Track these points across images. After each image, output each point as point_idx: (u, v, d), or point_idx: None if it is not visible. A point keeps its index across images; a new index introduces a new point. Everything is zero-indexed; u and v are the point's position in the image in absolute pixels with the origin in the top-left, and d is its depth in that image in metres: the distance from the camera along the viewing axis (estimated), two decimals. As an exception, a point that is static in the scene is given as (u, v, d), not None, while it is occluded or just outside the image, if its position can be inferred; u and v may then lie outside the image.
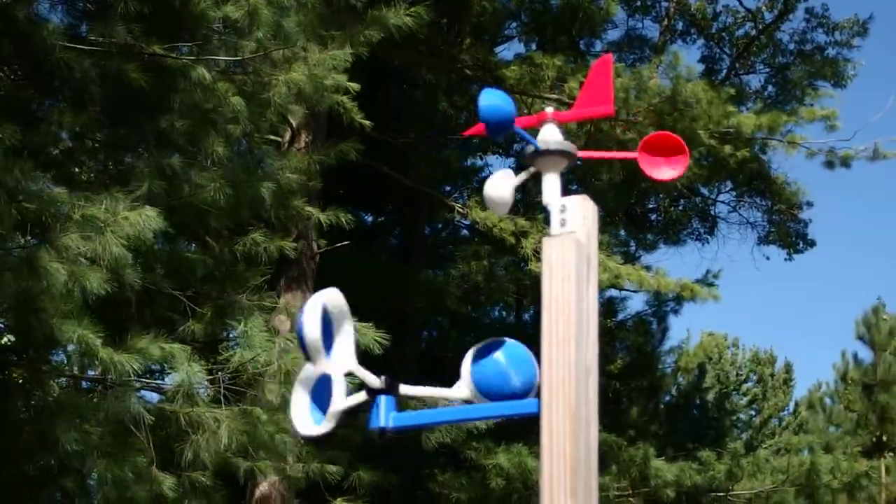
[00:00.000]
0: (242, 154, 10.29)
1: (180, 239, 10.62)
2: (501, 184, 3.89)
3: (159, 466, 9.22)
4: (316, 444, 11.11)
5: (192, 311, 10.28)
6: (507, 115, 3.67)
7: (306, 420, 3.60)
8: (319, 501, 11.93)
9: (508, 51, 25.51)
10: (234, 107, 9.55)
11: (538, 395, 3.44)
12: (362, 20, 10.86)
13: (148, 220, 8.19)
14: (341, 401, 3.57)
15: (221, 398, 9.69)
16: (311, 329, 3.47)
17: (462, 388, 3.61)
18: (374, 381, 3.60)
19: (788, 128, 17.59)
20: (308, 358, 3.52)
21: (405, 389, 3.63)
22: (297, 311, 11.33)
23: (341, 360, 3.61)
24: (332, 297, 3.60)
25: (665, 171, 4.00)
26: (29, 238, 7.97)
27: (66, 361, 9.46)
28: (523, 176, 3.96)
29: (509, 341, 3.65)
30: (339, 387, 3.56)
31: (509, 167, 19.68)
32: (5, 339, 9.81)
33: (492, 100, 3.67)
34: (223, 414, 9.37)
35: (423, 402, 8.66)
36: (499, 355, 3.60)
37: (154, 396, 10.05)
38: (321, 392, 3.60)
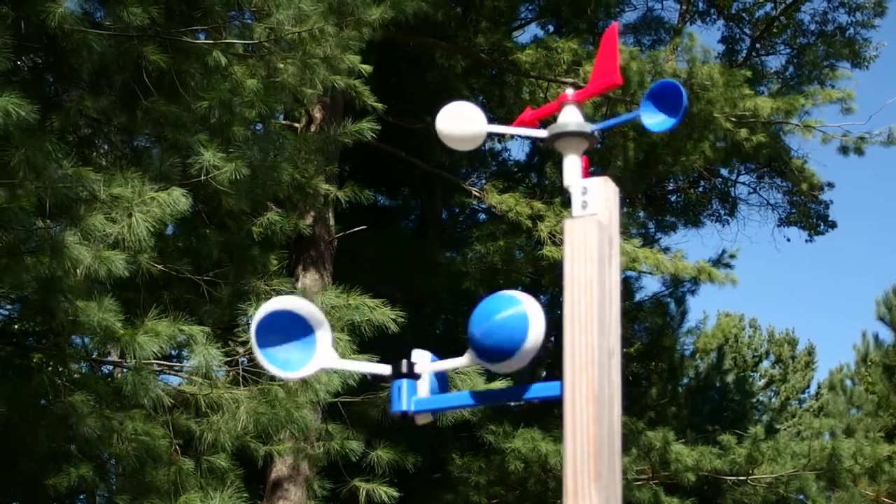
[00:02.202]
0: (259, 136, 10.28)
1: (196, 221, 10.64)
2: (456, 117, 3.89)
3: (179, 449, 9.26)
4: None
5: (210, 295, 10.30)
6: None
7: (275, 362, 3.56)
8: (338, 482, 11.97)
9: (526, 34, 25.44)
10: (249, 90, 9.56)
11: (558, 379, 3.42)
12: (378, 2, 10.85)
13: (176, 201, 8.21)
14: (338, 359, 3.57)
15: (240, 380, 9.72)
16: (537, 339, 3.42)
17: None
18: (384, 369, 3.60)
19: (805, 111, 17.56)
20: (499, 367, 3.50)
21: (421, 369, 3.61)
22: (315, 293, 11.39)
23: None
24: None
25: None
26: (47, 221, 7.98)
27: (86, 345, 9.49)
28: (512, 130, 3.98)
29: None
30: (326, 334, 3.56)
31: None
32: (28, 325, 9.83)
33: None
34: (242, 394, 9.40)
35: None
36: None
37: (173, 380, 10.09)
38: (282, 330, 3.56)
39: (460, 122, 3.89)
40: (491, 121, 3.93)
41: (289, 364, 3.56)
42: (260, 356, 3.52)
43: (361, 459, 11.71)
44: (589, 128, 3.80)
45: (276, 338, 3.55)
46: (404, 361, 3.57)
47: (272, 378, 9.64)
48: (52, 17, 8.18)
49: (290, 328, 3.56)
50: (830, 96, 17.70)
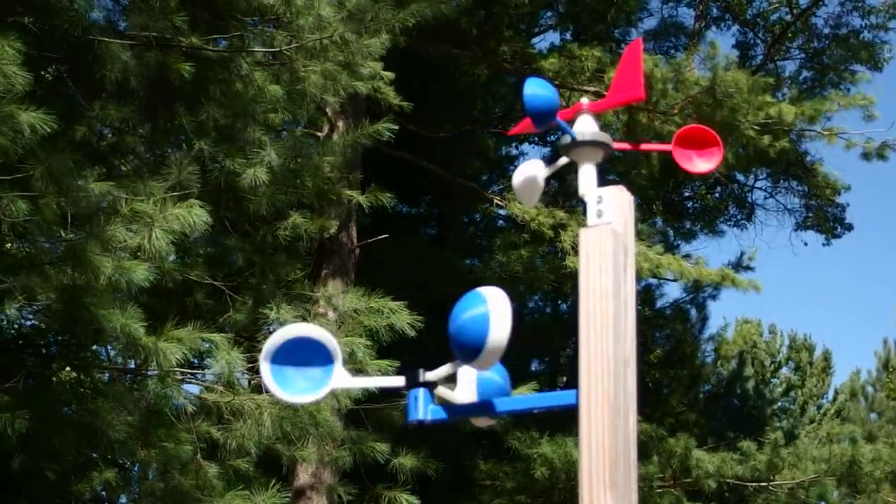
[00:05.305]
0: (281, 142, 10.32)
1: (219, 228, 10.68)
2: (530, 174, 3.91)
3: (203, 456, 9.30)
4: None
5: (233, 301, 10.34)
6: (551, 104, 3.68)
7: (285, 389, 3.57)
8: (361, 489, 11.99)
9: (545, 41, 25.45)
10: (272, 96, 9.60)
11: (574, 388, 3.44)
12: (399, 7, 10.88)
13: (196, 217, 8.25)
14: (349, 378, 3.59)
15: (263, 386, 9.75)
16: (503, 336, 3.36)
17: (466, 395, 3.64)
18: (399, 381, 3.62)
19: (828, 116, 17.56)
20: (472, 362, 3.48)
21: (438, 381, 3.63)
22: (338, 301, 11.43)
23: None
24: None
25: (698, 163, 4.00)
26: (71, 232, 8.03)
27: (109, 354, 9.54)
28: (555, 166, 4.00)
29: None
30: (340, 363, 3.57)
31: (544, 157, 19.77)
32: (51, 335, 9.88)
33: (536, 89, 3.68)
34: (264, 400, 9.44)
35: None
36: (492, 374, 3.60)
37: (196, 388, 10.14)
38: (295, 355, 3.57)
39: (530, 180, 3.94)
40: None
41: (298, 389, 3.56)
42: (270, 382, 3.53)
43: (384, 466, 11.74)
44: (605, 137, 3.82)
45: (286, 363, 3.55)
46: (420, 371, 3.59)
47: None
48: (77, 27, 8.25)
49: (299, 355, 3.56)
50: (853, 101, 17.68)
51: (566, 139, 3.81)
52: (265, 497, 9.61)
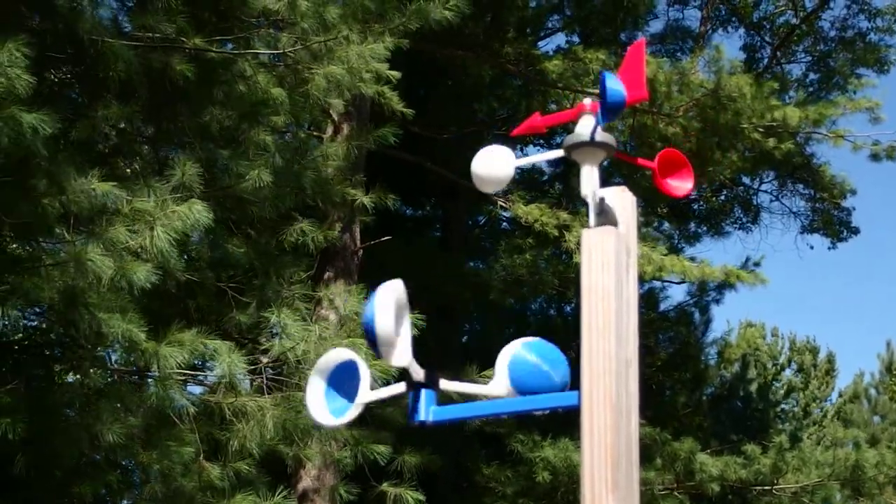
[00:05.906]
0: (284, 144, 10.31)
1: (222, 230, 10.67)
2: (491, 161, 3.92)
3: (205, 458, 9.29)
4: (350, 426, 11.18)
5: (236, 303, 10.33)
6: (624, 98, 3.71)
7: (323, 410, 3.61)
8: (366, 488, 11.97)
9: (550, 44, 25.41)
10: (275, 99, 9.59)
11: (576, 388, 3.43)
12: (403, 12, 10.87)
13: (198, 213, 8.24)
14: (367, 393, 3.59)
15: (264, 387, 9.75)
16: (385, 323, 3.39)
17: (500, 388, 3.59)
18: (420, 373, 3.59)
19: (833, 120, 17.54)
20: (378, 354, 3.47)
21: (444, 385, 3.61)
22: (343, 301, 11.41)
23: (403, 353, 3.57)
24: (398, 290, 3.56)
25: (674, 186, 3.99)
26: (73, 234, 8.02)
27: (110, 357, 9.53)
28: (536, 158, 4.00)
29: (537, 340, 3.63)
30: (365, 377, 3.58)
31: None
32: (52, 336, 9.87)
33: (615, 84, 3.71)
34: (267, 402, 9.43)
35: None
36: (534, 357, 3.57)
37: (197, 390, 10.12)
38: (341, 380, 3.61)
39: (491, 166, 3.92)
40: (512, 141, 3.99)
41: (338, 411, 3.64)
42: (319, 409, 3.62)
43: (388, 465, 11.72)
44: (609, 138, 3.80)
45: (331, 388, 3.64)
46: (425, 371, 3.57)
47: (297, 385, 9.70)
48: (83, 26, 8.25)
49: (339, 378, 3.65)
50: (858, 105, 17.68)
51: (571, 139, 3.78)
52: (272, 502, 9.60)
